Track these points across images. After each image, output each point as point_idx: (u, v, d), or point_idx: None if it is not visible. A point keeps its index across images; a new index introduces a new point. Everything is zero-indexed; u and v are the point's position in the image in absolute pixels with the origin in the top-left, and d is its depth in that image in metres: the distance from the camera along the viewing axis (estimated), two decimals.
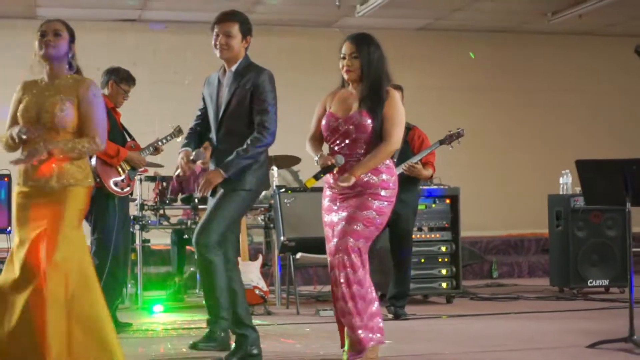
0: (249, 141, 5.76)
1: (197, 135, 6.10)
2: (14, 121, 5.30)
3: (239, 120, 5.84)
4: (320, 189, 5.98)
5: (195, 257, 5.91)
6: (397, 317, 8.11)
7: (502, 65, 14.82)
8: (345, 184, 5.57)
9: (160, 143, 8.10)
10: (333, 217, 5.72)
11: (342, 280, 5.57)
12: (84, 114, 5.26)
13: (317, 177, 5.68)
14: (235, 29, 5.86)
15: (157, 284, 10.35)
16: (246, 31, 5.92)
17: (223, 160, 5.79)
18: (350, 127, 5.66)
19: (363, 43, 5.71)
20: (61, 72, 5.33)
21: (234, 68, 5.91)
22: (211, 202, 5.92)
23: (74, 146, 5.18)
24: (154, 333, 7.47)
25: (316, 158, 5.72)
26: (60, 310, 5.04)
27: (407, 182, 8.08)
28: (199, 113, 6.14)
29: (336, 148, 5.74)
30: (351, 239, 5.58)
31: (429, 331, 7.43)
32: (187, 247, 9.92)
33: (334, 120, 5.74)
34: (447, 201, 9.35)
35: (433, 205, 9.30)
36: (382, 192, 5.66)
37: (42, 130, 5.14)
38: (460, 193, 9.36)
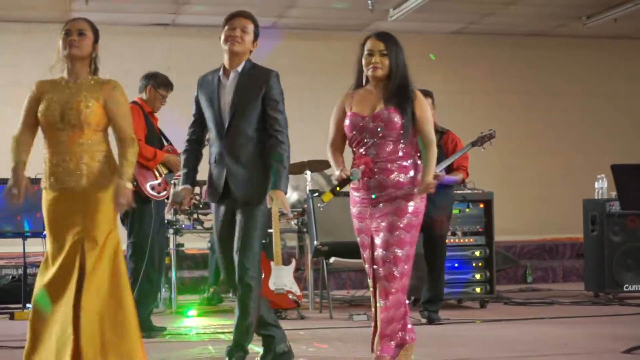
0: (279, 152, 5.69)
1: (193, 155, 5.97)
2: (29, 119, 5.26)
3: (248, 122, 5.72)
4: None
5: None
6: (431, 321, 8.09)
7: (535, 69, 14.76)
8: (425, 193, 5.56)
9: None
10: (368, 223, 5.59)
11: (393, 290, 5.53)
12: (114, 113, 5.26)
13: (333, 191, 5.50)
14: (251, 27, 5.79)
15: (191, 288, 10.38)
16: (257, 34, 5.85)
17: (236, 165, 5.71)
18: (379, 124, 5.56)
19: (391, 42, 5.64)
20: (83, 72, 5.30)
21: (239, 69, 5.78)
22: (220, 213, 5.85)
23: (132, 161, 5.23)
24: (188, 337, 7.49)
25: (337, 172, 5.54)
26: (95, 314, 5.07)
27: (442, 186, 8.05)
28: (194, 119, 5.97)
29: (362, 149, 5.58)
30: (397, 250, 5.51)
31: (462, 336, 7.40)
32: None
33: (359, 119, 5.59)
34: (481, 205, 9.31)
35: (467, 210, 9.27)
36: (406, 192, 5.60)
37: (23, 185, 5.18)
38: (494, 197, 9.32)
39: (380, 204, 5.55)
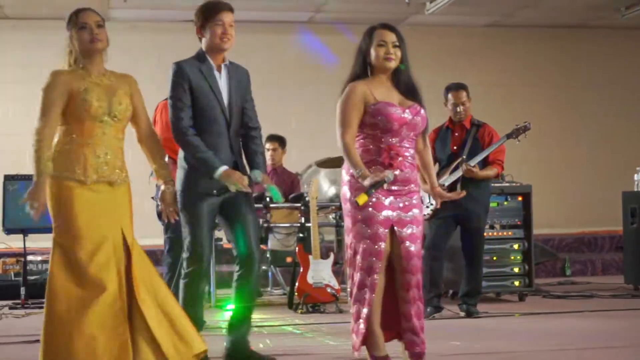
0: (257, 141, 5.91)
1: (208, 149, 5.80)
2: (55, 112, 5.15)
3: (239, 116, 5.83)
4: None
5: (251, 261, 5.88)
6: (469, 315, 8.08)
7: (572, 61, 14.68)
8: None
9: None
10: (388, 213, 5.48)
11: (414, 284, 5.51)
12: (140, 108, 5.36)
13: (368, 193, 5.36)
14: (233, 19, 5.86)
15: (230, 282, 10.39)
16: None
17: (235, 154, 5.82)
18: (418, 118, 5.55)
19: (400, 34, 5.59)
20: (101, 65, 5.28)
21: (228, 63, 5.82)
22: (212, 203, 5.79)
23: (165, 162, 5.45)
24: None
25: (359, 170, 5.40)
26: (154, 306, 5.14)
27: (478, 179, 8.05)
28: (187, 105, 5.69)
29: (394, 139, 5.49)
30: (419, 242, 5.57)
31: (501, 329, 7.39)
32: (261, 247, 9.96)
33: (400, 110, 5.51)
34: (519, 198, 9.28)
35: (505, 203, 9.24)
36: (414, 187, 5.64)
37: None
38: (532, 190, 9.29)
39: (402, 197, 5.53)
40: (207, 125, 5.72)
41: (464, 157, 8.04)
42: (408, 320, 5.52)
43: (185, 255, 5.87)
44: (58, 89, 5.16)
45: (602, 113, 14.67)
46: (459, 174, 8.02)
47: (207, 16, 5.76)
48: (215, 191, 5.71)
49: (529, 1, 12.98)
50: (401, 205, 5.52)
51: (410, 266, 5.50)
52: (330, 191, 10.39)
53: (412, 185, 5.57)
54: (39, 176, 5.04)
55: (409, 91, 5.60)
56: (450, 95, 8.19)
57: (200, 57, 5.80)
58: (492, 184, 8.73)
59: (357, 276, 5.51)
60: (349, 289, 5.64)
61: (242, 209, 5.82)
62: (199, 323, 5.87)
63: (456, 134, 8.21)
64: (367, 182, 5.34)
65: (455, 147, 8.20)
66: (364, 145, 5.56)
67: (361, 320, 5.50)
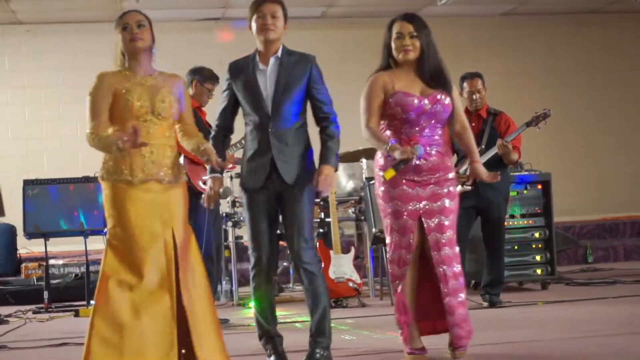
0: (331, 133, 5.63)
1: (222, 143, 5.82)
2: (104, 114, 5.21)
3: (293, 107, 5.63)
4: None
5: (289, 259, 5.84)
6: (493, 304, 8.06)
7: (588, 47, 14.61)
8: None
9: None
10: (417, 205, 5.51)
11: (450, 275, 5.50)
12: (187, 108, 5.42)
13: (396, 168, 5.40)
14: (280, 11, 5.68)
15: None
16: (286, 16, 5.74)
17: (283, 150, 5.60)
18: (437, 107, 5.54)
19: (419, 23, 5.56)
20: (148, 65, 5.34)
21: (279, 54, 5.68)
22: (258, 201, 5.67)
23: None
24: (250, 329, 7.53)
25: (386, 146, 5.44)
26: (200, 313, 5.25)
27: (497, 167, 8.02)
28: (224, 106, 5.77)
29: (415, 128, 5.52)
30: (452, 232, 5.53)
31: (525, 318, 7.36)
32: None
33: (415, 99, 5.51)
34: (539, 187, 9.24)
35: (525, 192, 9.21)
36: (450, 175, 5.61)
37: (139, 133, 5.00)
38: (551, 178, 9.25)
39: (430, 186, 5.53)
40: (251, 121, 5.71)
41: (483, 146, 8.01)
42: (451, 313, 5.52)
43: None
44: (102, 90, 5.25)
45: (622, 99, 14.59)
46: (492, 153, 7.99)
47: (252, 11, 5.73)
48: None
49: None
50: (429, 194, 5.53)
51: (442, 257, 5.49)
52: (349, 185, 10.36)
53: (441, 173, 5.55)
54: (110, 144, 5.07)
55: (434, 78, 5.58)
56: (465, 84, 8.19)
57: (253, 53, 5.78)
58: (512, 173, 8.73)
59: (390, 269, 5.59)
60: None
61: (289, 204, 5.65)
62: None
63: (473, 124, 8.18)
64: (397, 154, 5.34)
65: None
66: (393, 133, 5.60)
67: (398, 315, 5.59)
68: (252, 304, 5.87)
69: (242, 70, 5.72)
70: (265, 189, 5.62)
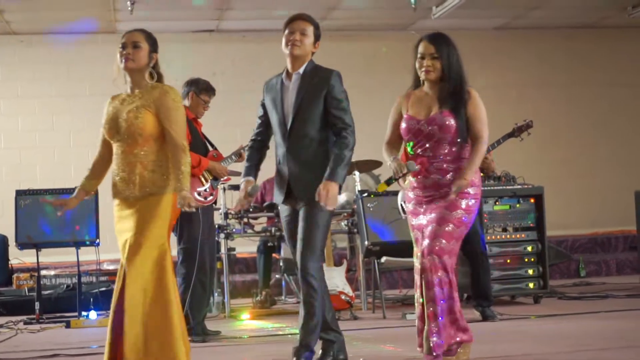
0: (340, 146, 5.68)
1: (257, 152, 6.02)
2: (102, 136, 5.47)
3: (310, 123, 5.73)
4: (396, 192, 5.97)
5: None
6: (485, 318, 8.05)
7: (581, 61, 14.64)
8: (459, 189, 5.54)
9: (243, 151, 8.16)
10: (421, 220, 5.68)
11: (435, 282, 5.53)
12: (162, 119, 5.33)
13: (389, 182, 5.74)
14: (310, 29, 5.82)
15: (244, 291, 10.42)
16: (318, 36, 5.88)
17: (298, 166, 5.74)
18: (434, 128, 5.63)
19: (442, 43, 5.67)
20: (142, 82, 5.41)
21: (301, 71, 5.79)
22: (285, 213, 5.91)
23: (186, 171, 5.31)
24: (242, 341, 7.53)
25: (389, 161, 5.69)
26: (138, 321, 5.16)
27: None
28: (259, 121, 6.02)
29: (419, 150, 5.68)
30: (444, 241, 5.55)
31: (517, 332, 7.36)
32: (273, 255, 9.99)
33: (414, 122, 5.69)
34: (532, 200, 9.24)
35: (517, 205, 9.21)
36: (470, 190, 5.62)
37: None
38: (544, 192, 9.25)
39: (435, 202, 5.64)
40: (275, 137, 5.91)
41: None
42: (427, 322, 5.60)
43: None
44: (103, 114, 5.47)
45: (613, 113, 14.61)
46: None
47: (284, 26, 5.88)
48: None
49: (537, 2, 12.95)
50: (428, 208, 5.67)
51: (426, 264, 5.54)
52: (342, 198, 10.36)
53: (446, 189, 5.61)
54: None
55: (452, 96, 5.67)
56: None
57: (284, 69, 5.93)
58: (504, 187, 8.78)
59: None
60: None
61: (302, 219, 5.78)
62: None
63: None
64: (396, 174, 5.60)
65: None
66: (403, 155, 5.85)
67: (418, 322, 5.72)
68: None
69: (272, 87, 5.93)
70: (287, 205, 5.88)
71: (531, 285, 9.13)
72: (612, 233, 13.24)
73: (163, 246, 5.25)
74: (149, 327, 5.16)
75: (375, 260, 8.82)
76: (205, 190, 7.69)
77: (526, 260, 9.17)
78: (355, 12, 12.94)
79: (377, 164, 10.14)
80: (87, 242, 8.95)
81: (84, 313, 8.90)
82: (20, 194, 9.18)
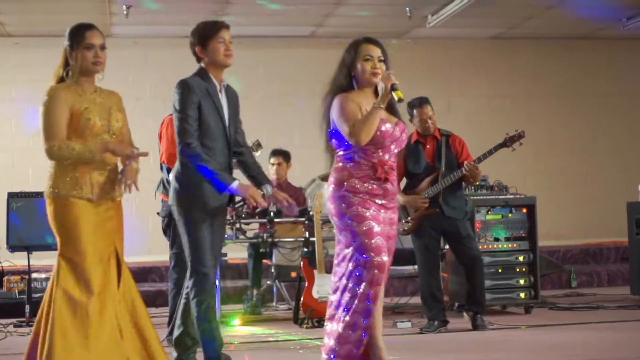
0: (254, 158, 6.12)
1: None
2: (64, 130, 5.24)
3: (235, 137, 5.97)
4: None
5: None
6: (475, 327, 8.04)
7: (576, 72, 14.66)
8: None
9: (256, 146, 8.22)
10: (383, 228, 5.50)
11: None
12: (124, 123, 5.42)
13: (394, 88, 5.39)
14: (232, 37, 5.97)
15: (235, 297, 10.40)
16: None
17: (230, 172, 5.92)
18: (404, 135, 5.57)
19: (384, 48, 5.61)
20: (94, 82, 5.40)
21: (226, 82, 5.97)
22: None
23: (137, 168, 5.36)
24: (232, 346, 7.51)
25: (377, 103, 5.38)
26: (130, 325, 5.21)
27: (452, 188, 8.01)
28: (197, 124, 5.75)
29: (387, 156, 5.49)
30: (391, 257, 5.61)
31: (508, 342, 7.36)
32: (264, 261, 9.97)
33: (390, 126, 5.49)
34: (524, 210, 9.24)
35: (509, 215, 9.21)
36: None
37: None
38: (536, 202, 9.26)
39: (391, 210, 5.57)
40: (210, 143, 5.76)
41: (443, 168, 8.01)
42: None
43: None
44: (60, 105, 5.21)
45: (607, 123, 14.63)
46: (440, 187, 7.97)
47: (209, 34, 5.86)
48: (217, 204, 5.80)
49: (533, 12, 12.96)
50: (392, 218, 5.57)
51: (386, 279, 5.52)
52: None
53: (396, 199, 5.62)
54: (95, 152, 5.17)
55: (390, 107, 5.56)
56: (415, 112, 8.13)
57: (203, 76, 5.86)
58: (496, 196, 8.79)
59: (360, 288, 5.42)
60: (337, 300, 5.54)
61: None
62: None
63: (428, 146, 8.18)
64: (393, 80, 5.38)
65: (429, 159, 8.16)
66: (353, 160, 5.49)
67: (361, 331, 5.43)
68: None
69: (202, 91, 5.86)
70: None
71: (522, 295, 9.12)
72: (604, 244, 13.24)
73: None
74: (145, 339, 5.32)
75: None
76: None
77: (518, 270, 9.15)
78: (351, 19, 12.95)
79: None
80: None
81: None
82: (12, 196, 9.16)
